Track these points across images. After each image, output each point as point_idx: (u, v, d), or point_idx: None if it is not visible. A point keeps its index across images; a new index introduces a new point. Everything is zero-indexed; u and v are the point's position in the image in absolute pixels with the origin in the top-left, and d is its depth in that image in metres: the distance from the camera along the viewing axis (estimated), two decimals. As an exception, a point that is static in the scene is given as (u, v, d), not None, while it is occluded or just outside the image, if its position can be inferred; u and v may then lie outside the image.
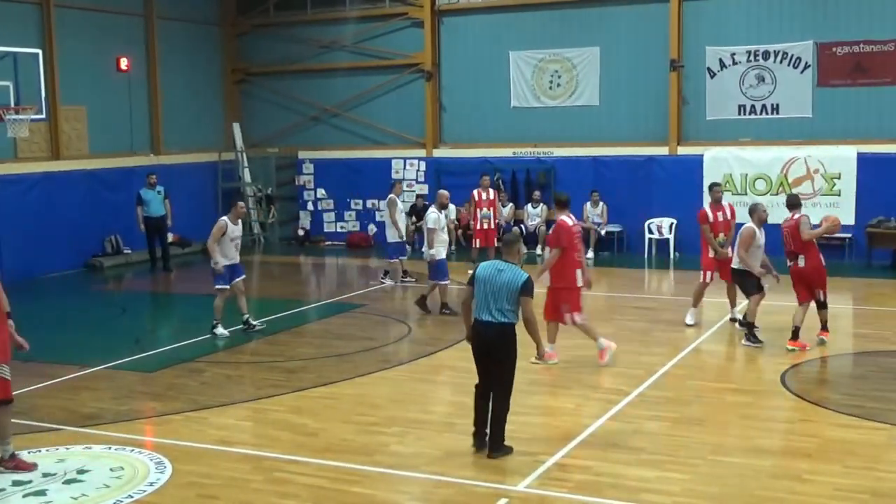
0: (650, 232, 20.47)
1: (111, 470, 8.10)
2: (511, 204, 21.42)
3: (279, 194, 24.52)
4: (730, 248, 13.20)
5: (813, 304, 11.91)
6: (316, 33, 23.87)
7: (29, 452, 8.39)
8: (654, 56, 20.48)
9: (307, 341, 13.36)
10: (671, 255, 20.15)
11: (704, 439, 8.68)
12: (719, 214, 13.52)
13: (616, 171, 20.91)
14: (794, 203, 12.24)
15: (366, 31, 23.28)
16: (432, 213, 14.97)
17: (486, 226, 18.33)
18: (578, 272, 11.30)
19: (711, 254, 13.34)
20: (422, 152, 22.91)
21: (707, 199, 15.90)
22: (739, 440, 8.63)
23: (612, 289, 17.50)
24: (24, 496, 7.58)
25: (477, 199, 18.46)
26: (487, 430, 8.31)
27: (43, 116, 17.40)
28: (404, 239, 17.68)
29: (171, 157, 22.36)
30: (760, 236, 12.24)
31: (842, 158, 19.11)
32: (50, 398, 10.39)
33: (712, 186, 14.20)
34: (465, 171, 21.48)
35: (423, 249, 15.65)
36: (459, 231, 21.39)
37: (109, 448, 8.66)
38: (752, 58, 19.86)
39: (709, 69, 20.23)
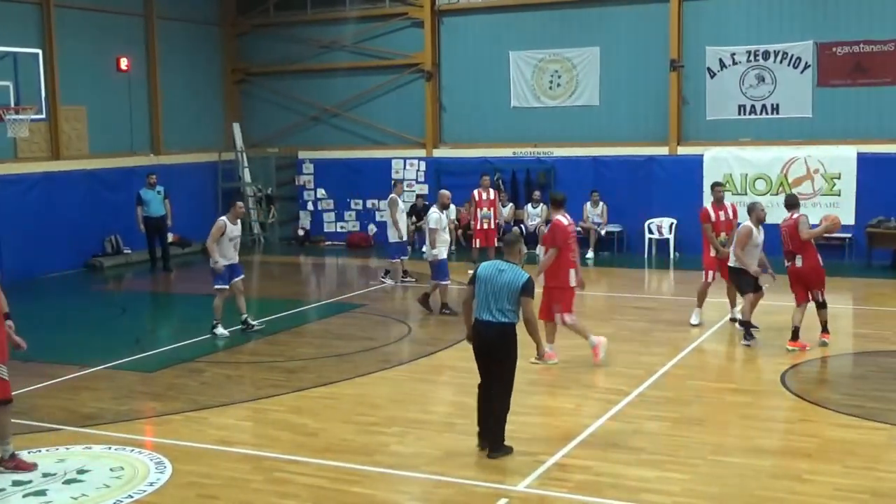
0: (650, 232, 20.47)
1: (111, 470, 8.10)
2: (511, 204, 21.42)
3: (279, 194, 24.52)
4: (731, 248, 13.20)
5: (812, 305, 11.92)
6: (316, 33, 23.87)
7: (29, 452, 8.39)
8: (654, 56, 20.48)
9: (307, 341, 13.36)
10: (671, 255, 20.15)
11: (704, 439, 8.68)
12: (721, 214, 13.52)
13: (616, 171, 20.92)
14: (792, 203, 12.25)
15: (366, 31, 23.28)
16: (434, 214, 14.98)
17: (486, 226, 18.33)
18: (572, 272, 11.31)
19: (713, 253, 13.34)
20: (422, 152, 22.91)
21: (709, 199, 15.95)
22: (739, 440, 8.63)
23: (612, 289, 17.51)
24: (24, 496, 7.58)
25: (477, 199, 18.45)
26: None
27: (43, 116, 17.40)
28: (405, 239, 17.68)
29: (171, 157, 22.36)
30: (758, 235, 12.25)
31: (842, 158, 19.11)
32: (50, 398, 10.39)
33: (714, 186, 14.20)
34: (465, 171, 21.47)
35: (424, 249, 15.65)
36: (459, 231, 21.38)
37: (109, 448, 8.66)
38: (752, 58, 19.86)
39: (709, 69, 20.24)
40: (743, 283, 12.31)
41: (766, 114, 19.94)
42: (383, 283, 17.45)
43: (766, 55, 19.75)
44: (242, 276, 13.66)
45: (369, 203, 23.57)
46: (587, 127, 21.36)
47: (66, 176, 19.74)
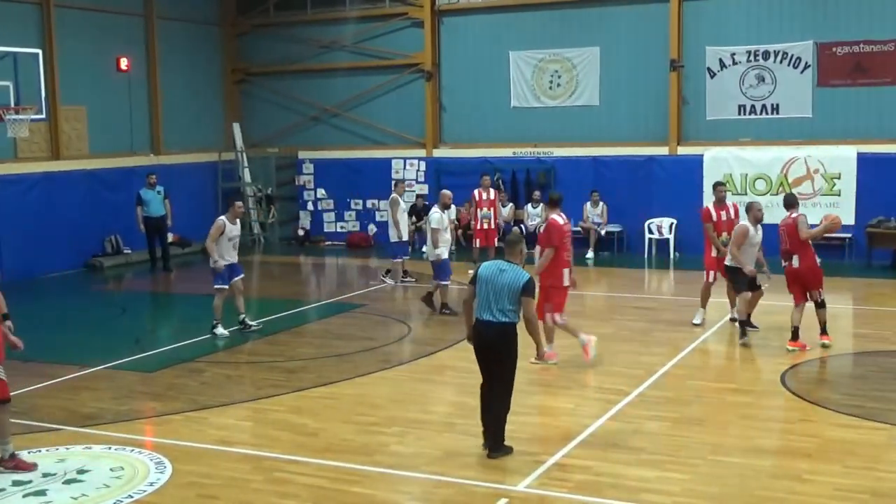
0: (650, 232, 20.47)
1: (111, 470, 8.10)
2: (511, 204, 21.42)
3: (279, 194, 24.52)
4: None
5: (811, 304, 11.91)
6: (316, 33, 23.87)
7: (29, 452, 8.39)
8: (654, 56, 20.48)
9: (307, 341, 13.36)
10: (671, 255, 20.15)
11: (704, 439, 8.68)
12: (723, 213, 13.51)
13: (616, 171, 20.92)
14: (790, 202, 12.25)
15: (366, 31, 23.28)
16: (435, 214, 14.97)
17: (486, 226, 18.34)
18: (566, 271, 11.31)
19: (714, 253, 13.34)
20: (422, 152, 22.91)
21: (710, 199, 15.90)
22: (739, 440, 8.63)
23: (612, 289, 17.51)
24: (24, 496, 7.58)
25: (478, 198, 18.47)
26: None
27: (43, 116, 17.40)
28: (405, 239, 17.67)
29: (171, 157, 22.36)
30: (755, 235, 12.27)
31: (842, 158, 19.12)
32: (50, 398, 10.39)
33: (716, 185, 14.18)
34: (465, 171, 21.47)
35: (425, 249, 15.64)
36: (459, 231, 21.38)
37: (109, 448, 8.66)
38: (752, 58, 19.86)
39: (709, 69, 20.24)
40: (738, 281, 12.35)
41: (766, 114, 19.94)
42: (384, 282, 17.45)
43: (766, 55, 19.75)
44: (242, 276, 13.65)
45: (369, 203, 23.57)
46: (587, 127, 21.36)
47: (66, 176, 19.74)
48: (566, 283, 11.35)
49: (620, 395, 10.02)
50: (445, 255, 14.82)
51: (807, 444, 8.49)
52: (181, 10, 23.12)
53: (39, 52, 17.32)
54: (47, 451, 8.59)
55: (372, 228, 23.53)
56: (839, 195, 19.14)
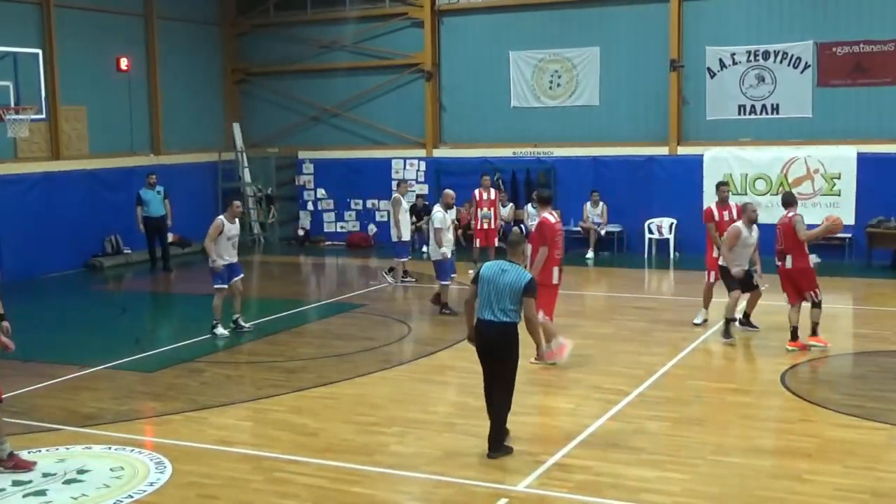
0: (650, 232, 20.47)
1: (111, 470, 8.10)
2: (511, 204, 21.42)
3: (279, 194, 24.52)
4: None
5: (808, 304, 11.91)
6: (316, 33, 23.87)
7: (29, 452, 8.39)
8: (654, 56, 20.48)
9: (307, 341, 13.36)
10: (671, 255, 20.15)
11: (704, 439, 8.68)
12: (725, 214, 13.50)
13: (616, 171, 20.92)
14: (789, 201, 12.21)
15: (366, 31, 23.28)
16: (438, 213, 14.95)
17: (486, 226, 18.33)
18: (555, 270, 11.31)
19: (716, 253, 13.33)
20: (422, 152, 22.91)
21: (711, 199, 15.92)
22: (739, 440, 8.63)
23: (612, 289, 17.52)
24: (24, 496, 7.58)
25: (478, 198, 18.47)
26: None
27: (43, 116, 17.40)
28: (406, 239, 17.66)
29: (171, 157, 22.36)
30: (748, 236, 12.30)
31: (842, 158, 19.11)
32: (50, 398, 10.38)
33: (719, 185, 14.16)
34: (465, 171, 21.46)
35: (427, 249, 15.62)
36: (459, 231, 21.36)
37: (109, 448, 8.66)
38: (752, 58, 19.86)
39: (709, 69, 20.23)
40: (729, 281, 12.38)
41: (766, 114, 19.94)
42: (385, 279, 17.44)
43: (766, 55, 19.75)
44: (242, 276, 13.66)
45: (369, 203, 23.57)
46: (587, 127, 21.36)
47: (66, 176, 19.74)
48: (555, 281, 11.34)
49: (620, 395, 10.02)
50: (450, 255, 14.82)
51: (807, 444, 8.49)
52: (181, 10, 23.12)
53: (39, 52, 17.32)
54: (47, 451, 8.59)
55: (372, 228, 23.53)
56: (839, 195, 19.14)
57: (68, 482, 7.84)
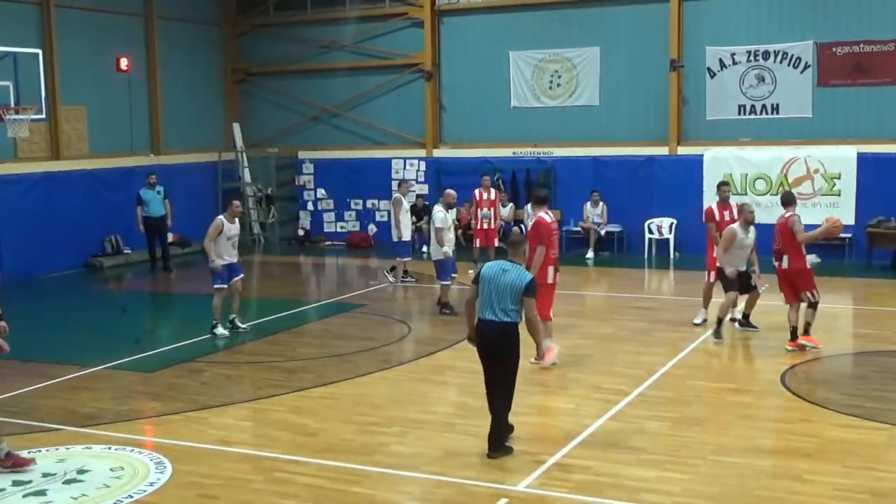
0: (650, 232, 20.47)
1: (111, 470, 8.10)
2: (511, 204, 21.41)
3: (279, 194, 24.52)
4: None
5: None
6: (316, 33, 23.87)
7: (29, 452, 8.38)
8: (654, 56, 20.48)
9: (307, 341, 13.36)
10: (671, 255, 20.14)
11: (704, 439, 8.68)
12: (726, 214, 13.50)
13: (616, 171, 20.92)
14: (788, 200, 12.18)
15: (366, 31, 23.28)
16: (440, 213, 14.92)
17: (486, 226, 18.32)
18: (551, 269, 11.31)
19: (716, 253, 13.34)
20: (422, 152, 22.91)
21: (710, 199, 15.91)
22: (739, 440, 8.63)
23: (612, 289, 17.52)
24: (24, 496, 7.58)
25: (478, 198, 18.46)
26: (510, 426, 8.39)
27: (43, 116, 17.39)
28: (406, 239, 17.66)
29: (171, 157, 22.36)
30: (745, 238, 12.31)
31: (842, 158, 19.11)
32: (50, 398, 10.38)
33: (721, 185, 14.17)
34: (465, 171, 21.46)
35: (428, 249, 15.61)
36: (459, 231, 21.35)
37: (109, 448, 8.65)
38: (752, 58, 19.86)
39: (709, 69, 20.23)
40: (725, 281, 12.40)
41: (766, 114, 19.94)
42: (386, 277, 17.44)
43: (766, 55, 19.75)
44: (241, 276, 13.65)
45: (369, 203, 23.57)
46: (587, 127, 21.36)
47: (66, 176, 19.74)
48: (550, 280, 11.34)
49: (620, 395, 10.02)
50: (451, 254, 14.81)
51: (807, 444, 8.49)
52: (181, 10, 23.12)
53: (39, 52, 17.31)
54: (47, 451, 8.58)
55: (372, 228, 23.53)
56: (839, 195, 19.14)
57: (68, 482, 7.84)
